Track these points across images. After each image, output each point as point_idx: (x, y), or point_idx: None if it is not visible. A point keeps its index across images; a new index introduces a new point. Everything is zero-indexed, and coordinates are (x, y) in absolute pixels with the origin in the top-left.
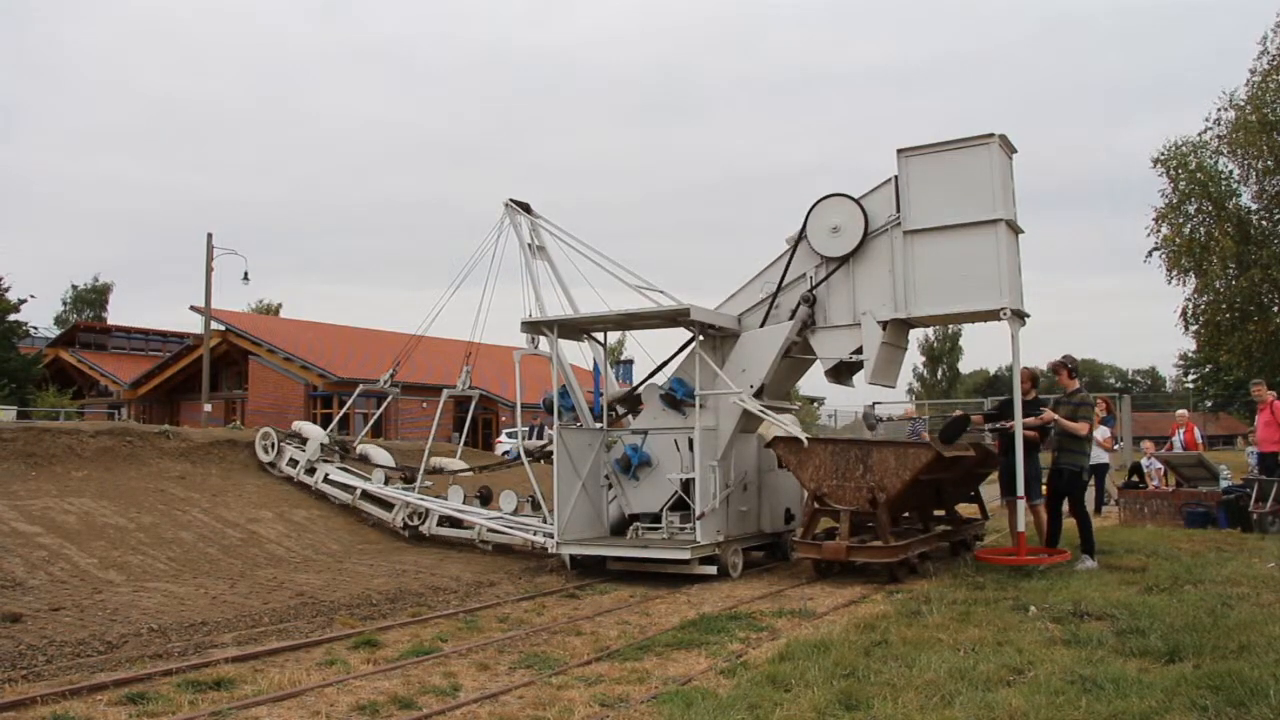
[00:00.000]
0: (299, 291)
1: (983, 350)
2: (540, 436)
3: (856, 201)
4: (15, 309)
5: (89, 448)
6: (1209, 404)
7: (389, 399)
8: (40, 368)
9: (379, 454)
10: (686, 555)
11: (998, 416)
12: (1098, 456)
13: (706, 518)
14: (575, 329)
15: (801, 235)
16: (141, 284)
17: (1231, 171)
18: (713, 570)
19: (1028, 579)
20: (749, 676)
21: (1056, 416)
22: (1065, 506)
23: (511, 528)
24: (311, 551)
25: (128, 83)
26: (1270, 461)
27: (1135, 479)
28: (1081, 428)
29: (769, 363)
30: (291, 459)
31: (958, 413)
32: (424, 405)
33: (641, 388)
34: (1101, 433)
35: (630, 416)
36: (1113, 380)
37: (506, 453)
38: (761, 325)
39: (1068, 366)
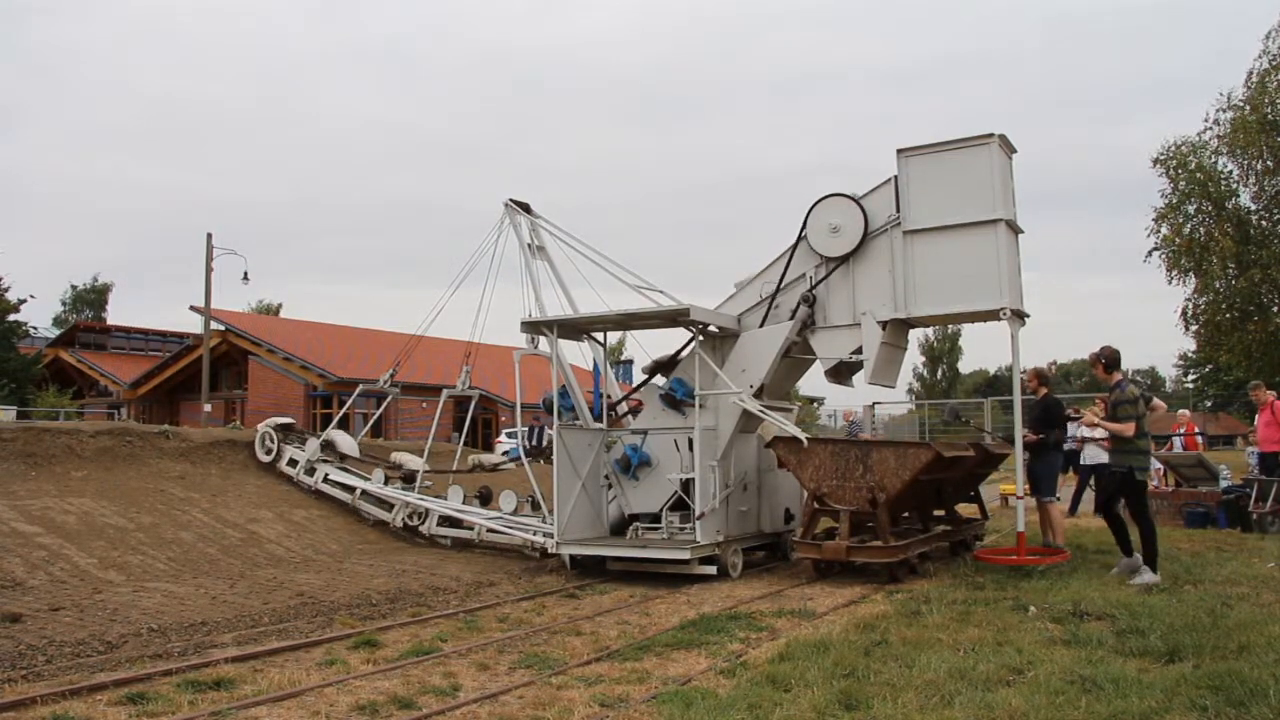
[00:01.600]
0: (299, 291)
1: (983, 350)
2: (539, 437)
3: (856, 201)
4: (15, 309)
5: (89, 448)
6: (1209, 404)
7: (389, 399)
8: (40, 368)
9: (345, 441)
10: (686, 555)
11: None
12: (1096, 456)
13: (706, 518)
14: (575, 329)
15: (801, 235)
16: (141, 284)
17: (1231, 171)
18: (713, 570)
19: (1028, 579)
20: (749, 676)
21: (1098, 420)
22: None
23: (511, 528)
24: (311, 551)
25: (128, 83)
26: (1270, 461)
27: None
28: (1127, 428)
29: (769, 363)
30: (291, 459)
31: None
32: (424, 405)
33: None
34: (1101, 432)
35: (631, 416)
36: None
37: (506, 452)
38: (761, 325)
39: (1102, 360)
